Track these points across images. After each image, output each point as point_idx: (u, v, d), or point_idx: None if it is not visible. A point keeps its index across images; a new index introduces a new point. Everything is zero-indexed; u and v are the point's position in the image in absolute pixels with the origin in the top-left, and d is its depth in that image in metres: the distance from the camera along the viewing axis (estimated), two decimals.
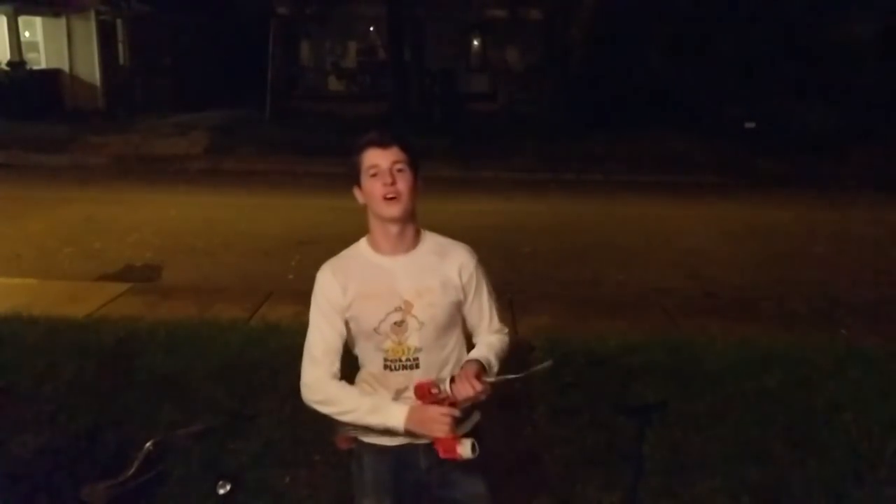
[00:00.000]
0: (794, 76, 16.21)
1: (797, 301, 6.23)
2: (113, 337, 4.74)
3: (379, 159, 2.04)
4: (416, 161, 2.09)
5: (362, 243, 2.16)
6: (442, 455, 2.01)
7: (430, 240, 2.17)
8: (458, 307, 2.16)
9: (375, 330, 2.07)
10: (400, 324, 2.07)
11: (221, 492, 3.12)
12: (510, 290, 5.77)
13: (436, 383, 2.04)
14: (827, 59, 16.11)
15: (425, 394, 2.03)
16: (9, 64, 17.74)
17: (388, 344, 2.08)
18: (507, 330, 2.28)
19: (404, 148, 2.07)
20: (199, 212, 9.33)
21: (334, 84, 26.01)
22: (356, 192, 2.12)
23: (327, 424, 2.11)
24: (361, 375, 2.18)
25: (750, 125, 15.65)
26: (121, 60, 20.26)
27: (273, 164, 13.36)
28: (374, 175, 2.04)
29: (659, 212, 10.01)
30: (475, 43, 26.55)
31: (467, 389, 1.98)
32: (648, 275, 6.98)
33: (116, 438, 3.52)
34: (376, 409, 2.03)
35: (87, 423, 3.66)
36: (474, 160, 13.15)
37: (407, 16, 18.87)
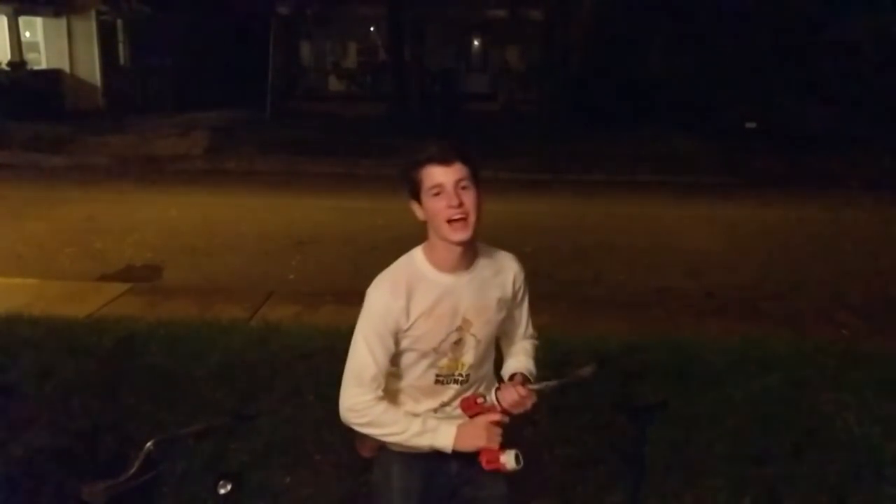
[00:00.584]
0: (795, 76, 16.22)
1: (798, 301, 6.23)
2: (113, 337, 4.74)
3: (442, 178, 1.91)
4: (478, 174, 1.97)
5: (418, 257, 2.03)
6: (485, 466, 1.97)
7: (484, 252, 2.09)
8: (501, 320, 2.13)
9: (435, 349, 2.02)
10: (458, 342, 2.03)
11: (222, 492, 3.11)
12: None
13: (481, 394, 2.04)
14: (828, 59, 16.12)
15: (471, 405, 2.01)
16: (9, 64, 17.74)
17: (444, 361, 2.04)
18: (536, 334, 2.28)
19: (467, 162, 1.93)
20: (200, 212, 9.33)
21: (335, 84, 25.99)
22: (414, 207, 2.00)
23: (346, 429, 2.07)
24: (401, 387, 2.10)
25: (751, 125, 15.67)
26: (121, 61, 20.27)
27: (273, 165, 13.37)
28: (437, 194, 1.92)
29: (659, 212, 10.00)
30: (475, 43, 26.53)
31: (513, 395, 1.98)
32: (649, 275, 6.98)
33: (117, 438, 3.52)
34: (424, 431, 1.98)
35: (87, 423, 3.66)
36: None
37: (407, 16, 18.89)
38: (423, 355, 2.02)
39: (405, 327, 1.98)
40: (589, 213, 9.94)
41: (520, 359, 2.19)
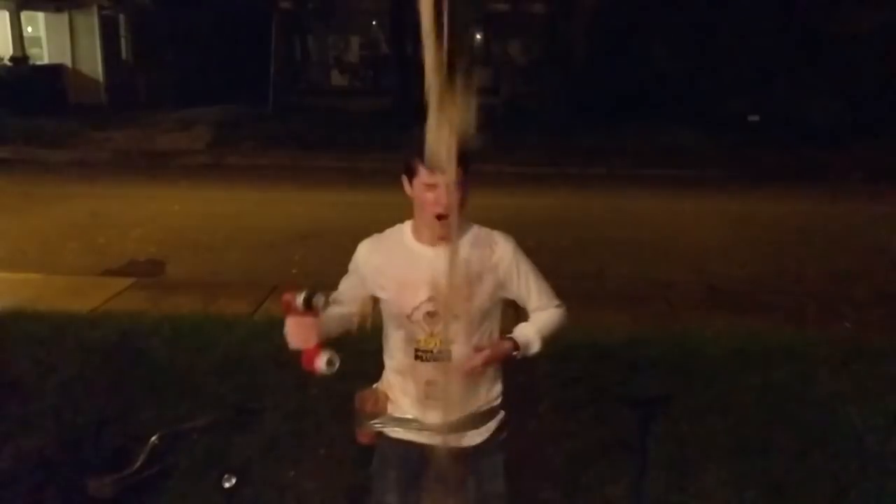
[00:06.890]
0: (798, 69, 16.15)
1: (801, 294, 6.22)
2: (117, 332, 4.75)
3: (435, 179, 1.97)
4: (468, 167, 2.00)
5: (406, 228, 2.13)
6: (304, 367, 1.98)
7: (471, 230, 2.12)
8: (495, 298, 2.12)
9: (409, 317, 2.04)
10: (433, 314, 2.03)
11: (227, 485, 3.12)
12: None
13: (295, 295, 1.98)
14: (831, 52, 16.05)
15: (287, 306, 1.99)
16: (11, 59, 17.74)
17: (421, 334, 2.05)
18: (559, 303, 2.27)
19: (462, 164, 1.96)
20: (202, 207, 9.34)
21: (337, 78, 26.01)
22: (405, 182, 2.06)
23: (347, 419, 2.09)
24: (386, 373, 2.16)
25: (753, 118, 15.60)
26: (123, 55, 20.27)
27: (276, 159, 13.36)
28: (429, 190, 1.98)
29: (662, 205, 9.99)
30: (478, 37, 26.51)
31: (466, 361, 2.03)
32: (652, 268, 6.97)
33: (122, 432, 3.53)
34: None
35: (92, 418, 3.67)
36: (478, 154, 13.12)
37: (409, 9, 18.84)
38: (399, 324, 2.07)
39: (379, 282, 2.08)
40: (591, 206, 9.92)
41: (525, 326, 2.18)
